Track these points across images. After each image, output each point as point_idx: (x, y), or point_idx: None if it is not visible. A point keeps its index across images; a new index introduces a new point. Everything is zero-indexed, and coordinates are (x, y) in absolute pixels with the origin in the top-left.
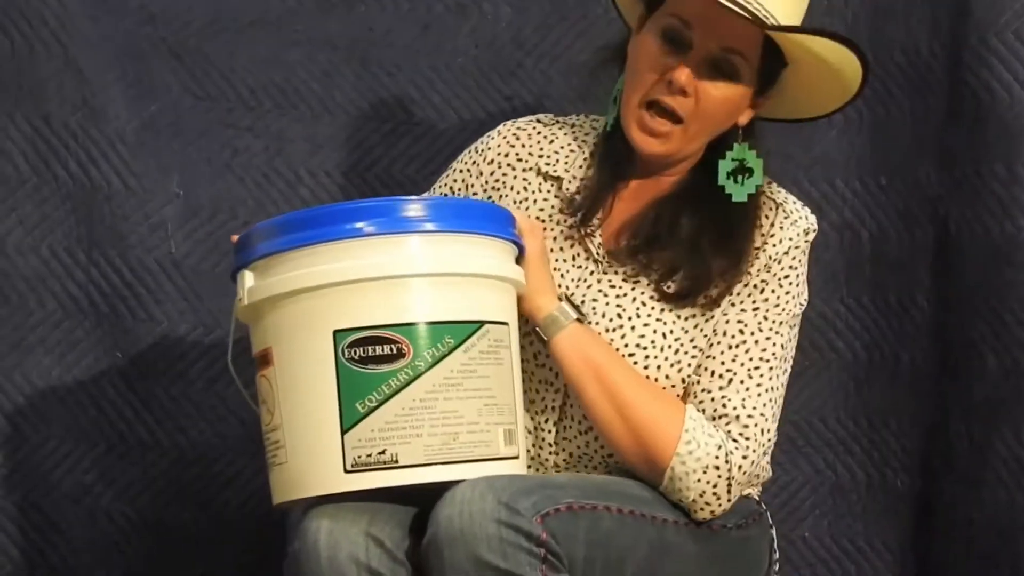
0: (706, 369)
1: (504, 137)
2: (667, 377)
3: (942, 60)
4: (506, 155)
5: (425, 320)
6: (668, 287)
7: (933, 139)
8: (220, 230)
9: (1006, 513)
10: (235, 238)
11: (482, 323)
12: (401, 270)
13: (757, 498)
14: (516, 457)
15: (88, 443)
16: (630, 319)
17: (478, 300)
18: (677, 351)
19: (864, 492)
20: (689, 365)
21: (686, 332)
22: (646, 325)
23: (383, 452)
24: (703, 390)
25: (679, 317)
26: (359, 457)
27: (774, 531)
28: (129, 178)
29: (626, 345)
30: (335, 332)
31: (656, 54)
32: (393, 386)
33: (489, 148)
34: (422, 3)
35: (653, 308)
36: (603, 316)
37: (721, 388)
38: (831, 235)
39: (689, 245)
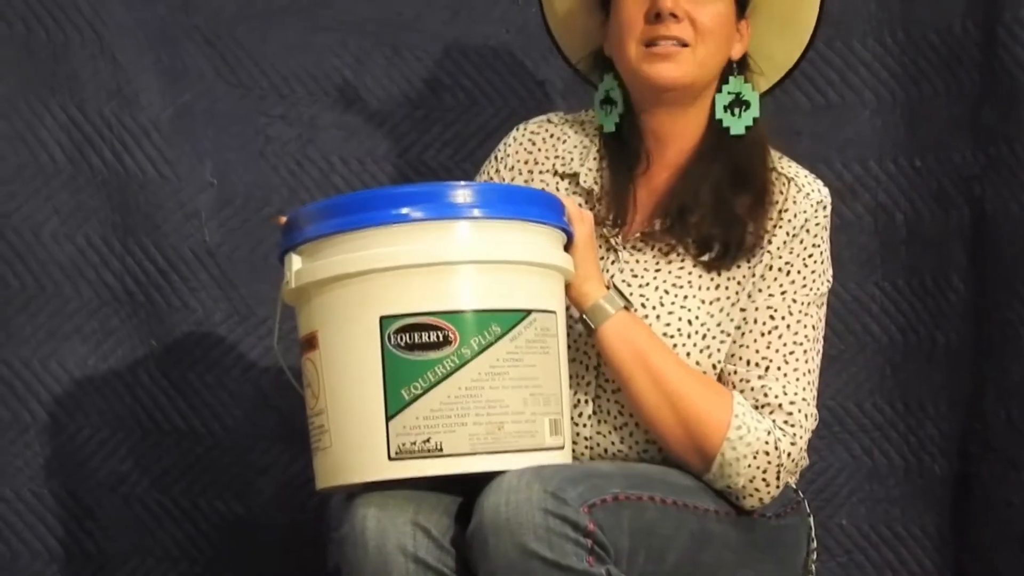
0: (741, 358)
1: (520, 143)
2: (698, 364)
3: (975, 37)
4: (524, 161)
5: (472, 307)
6: (706, 257)
7: (967, 118)
8: (254, 218)
9: None
10: (283, 220)
11: (529, 311)
12: (448, 256)
13: (795, 487)
14: (561, 448)
15: (124, 431)
16: (655, 308)
17: (526, 288)
18: (704, 336)
19: (902, 477)
20: (719, 350)
21: (712, 316)
22: (671, 313)
23: (428, 440)
24: (741, 380)
25: (703, 302)
26: (403, 445)
27: (812, 519)
28: (163, 166)
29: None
30: (382, 318)
31: (636, 5)
32: (439, 373)
33: (508, 155)
34: None
35: (677, 295)
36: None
37: (760, 377)
38: (865, 217)
39: (713, 198)
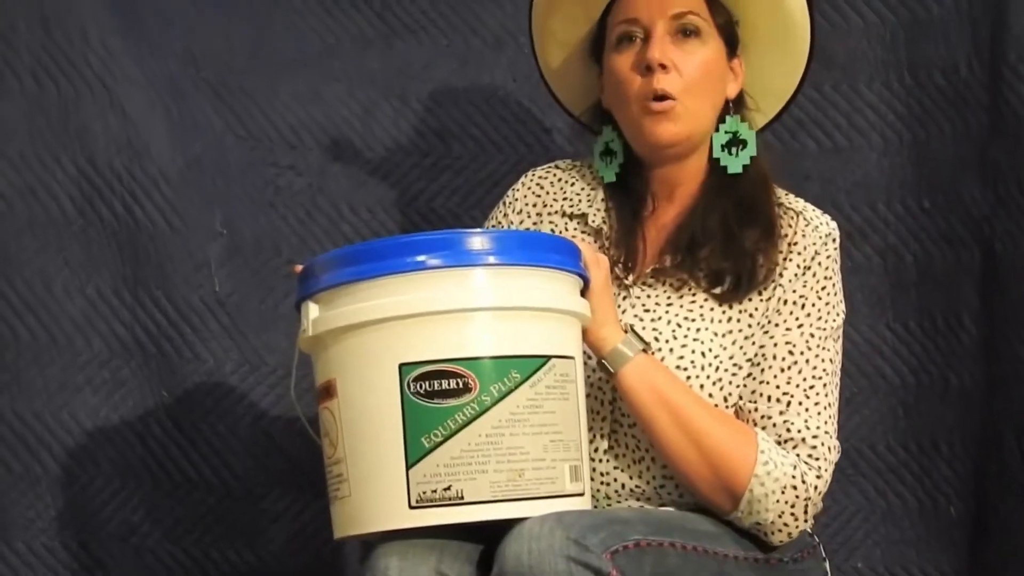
0: (761, 395)
1: (528, 188)
2: (710, 396)
3: (981, 78)
4: (533, 204)
5: (491, 354)
6: (718, 290)
7: (975, 158)
8: (264, 267)
9: None
10: (299, 268)
11: (548, 357)
12: (466, 303)
13: (810, 531)
14: (582, 494)
15: (135, 481)
16: (667, 342)
17: (544, 334)
18: (717, 368)
19: (917, 519)
20: (731, 383)
21: (724, 349)
22: (684, 346)
23: (448, 488)
24: (763, 416)
25: (716, 335)
26: (424, 493)
27: (827, 563)
28: (173, 217)
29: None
30: (401, 365)
31: (626, 61)
32: (459, 421)
33: (516, 200)
34: (459, 38)
35: (689, 328)
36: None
37: (781, 413)
38: (875, 259)
39: (722, 232)
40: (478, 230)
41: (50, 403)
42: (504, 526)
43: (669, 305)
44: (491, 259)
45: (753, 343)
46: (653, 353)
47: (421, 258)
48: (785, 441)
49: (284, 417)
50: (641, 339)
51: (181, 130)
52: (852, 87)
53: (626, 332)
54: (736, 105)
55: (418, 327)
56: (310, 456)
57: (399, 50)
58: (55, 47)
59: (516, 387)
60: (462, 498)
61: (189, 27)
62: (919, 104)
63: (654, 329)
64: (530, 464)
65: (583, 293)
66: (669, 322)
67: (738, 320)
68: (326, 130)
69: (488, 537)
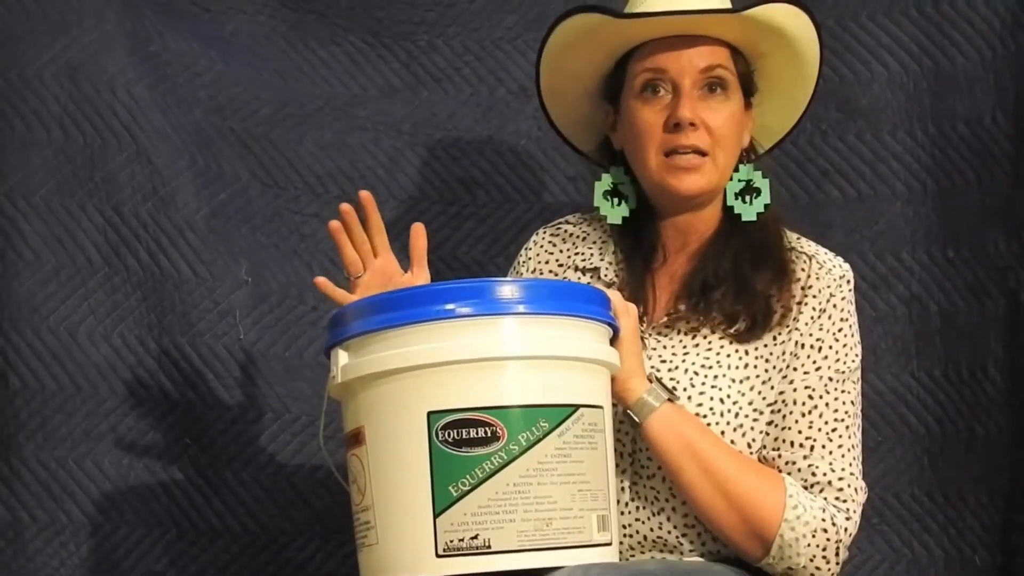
0: (784, 440)
1: (541, 246)
2: (733, 443)
3: (1004, 129)
4: (546, 262)
5: (519, 403)
6: (734, 330)
7: (999, 208)
8: (288, 315)
9: None
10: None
11: (577, 407)
12: (496, 352)
13: None
14: (609, 544)
15: (159, 530)
16: (685, 390)
17: (573, 383)
18: (737, 415)
19: (942, 569)
20: (752, 428)
21: (743, 395)
22: (702, 393)
23: (476, 537)
24: (787, 462)
25: (734, 381)
26: (451, 541)
27: None
28: (198, 266)
29: None
30: (429, 413)
31: (650, 111)
32: (487, 469)
33: (529, 259)
34: (484, 87)
35: (707, 376)
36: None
37: (806, 457)
38: (899, 308)
39: (734, 275)
40: (508, 279)
41: (74, 451)
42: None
43: (686, 354)
44: (520, 308)
45: (772, 387)
46: (679, 401)
47: (451, 306)
48: (812, 485)
49: (308, 465)
50: (667, 388)
51: (207, 179)
52: (876, 136)
53: (652, 382)
54: (748, 153)
55: (447, 375)
56: (334, 505)
57: (424, 99)
58: (82, 97)
59: (544, 436)
60: (489, 547)
61: (215, 77)
62: (943, 154)
63: (672, 379)
64: (558, 514)
65: (612, 342)
66: (686, 371)
67: (755, 366)
68: (351, 179)
69: None
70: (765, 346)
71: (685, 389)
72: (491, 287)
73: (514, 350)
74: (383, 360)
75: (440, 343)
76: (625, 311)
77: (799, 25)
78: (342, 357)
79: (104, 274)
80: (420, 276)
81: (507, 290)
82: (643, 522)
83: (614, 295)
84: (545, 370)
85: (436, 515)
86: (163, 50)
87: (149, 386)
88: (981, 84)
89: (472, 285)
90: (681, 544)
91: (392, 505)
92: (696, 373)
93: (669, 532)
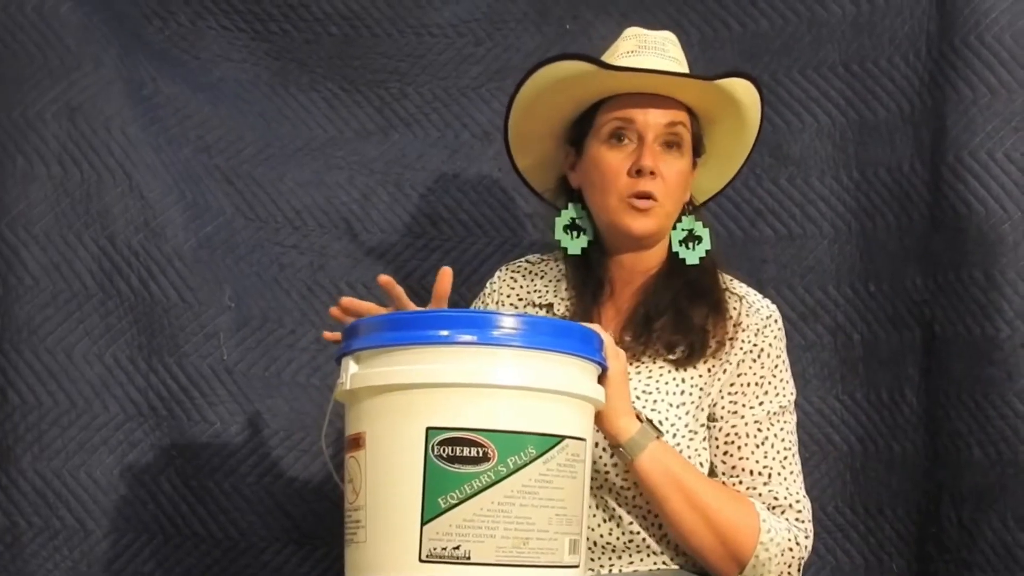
0: (743, 469)
1: (504, 281)
2: None
3: (922, 176)
4: (507, 296)
5: (511, 429)
6: (673, 356)
7: (917, 248)
8: (268, 338)
9: None
10: (329, 336)
11: (563, 437)
12: (495, 380)
13: None
14: (577, 566)
15: (147, 535)
16: None
17: (561, 415)
18: (675, 435)
19: (863, 575)
20: (688, 446)
21: (680, 418)
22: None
23: (457, 547)
24: (748, 488)
25: (671, 405)
26: (434, 549)
27: None
28: (185, 292)
29: None
30: (428, 429)
31: (616, 157)
32: (475, 487)
33: (492, 293)
34: (451, 131)
35: (648, 400)
36: None
37: (765, 483)
38: (825, 337)
39: (673, 309)
40: (509, 313)
41: (68, 462)
42: None
43: (629, 379)
44: (519, 342)
45: (703, 411)
46: (663, 438)
47: (456, 333)
48: (773, 508)
49: (285, 476)
50: (654, 426)
51: (194, 212)
52: (806, 181)
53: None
54: (691, 205)
55: (448, 395)
56: (309, 513)
57: (396, 141)
58: (80, 136)
59: (531, 462)
60: (469, 558)
61: (203, 119)
62: (866, 197)
63: None
64: (535, 534)
65: (600, 380)
66: (631, 391)
67: (690, 392)
68: (327, 213)
69: None
70: (700, 375)
71: None
72: (494, 319)
73: (511, 380)
74: (390, 374)
75: (444, 365)
76: (615, 354)
77: (750, 96)
78: (352, 366)
79: (98, 299)
80: None
81: (508, 324)
82: (592, 529)
83: (607, 337)
84: (537, 401)
85: (423, 523)
86: (156, 93)
87: (139, 402)
88: (901, 134)
89: (477, 316)
90: (628, 548)
91: (383, 508)
92: (638, 397)
93: (618, 537)
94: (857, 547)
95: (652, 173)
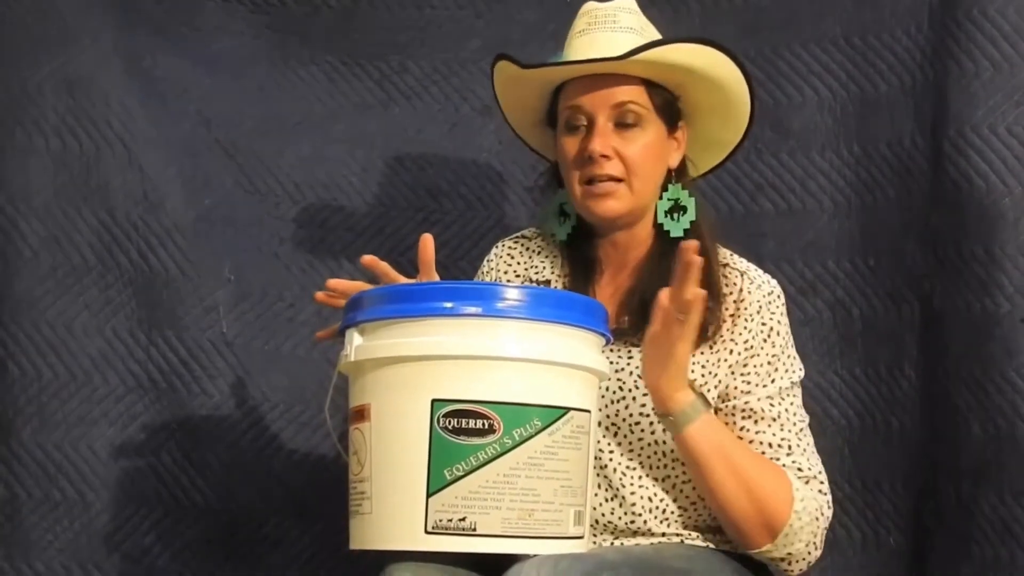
0: (762, 443)
1: (500, 258)
2: (666, 442)
3: (923, 150)
4: (504, 272)
5: (517, 401)
6: None
7: (917, 223)
8: (268, 311)
9: (992, 568)
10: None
11: (568, 409)
12: (499, 352)
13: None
14: (581, 537)
15: (147, 507)
16: (630, 391)
17: (566, 387)
18: None
19: (860, 549)
20: None
21: None
22: (645, 395)
23: (463, 519)
24: (772, 459)
25: None
26: (440, 520)
27: None
28: (185, 265)
29: (631, 415)
30: (433, 401)
31: (571, 144)
32: (480, 458)
33: (490, 270)
34: (450, 105)
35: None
36: (607, 390)
37: (788, 454)
38: (825, 312)
39: None
40: (515, 286)
41: (69, 434)
42: (509, 561)
43: (630, 359)
44: (524, 313)
45: (708, 391)
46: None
47: (461, 305)
48: (798, 478)
49: (284, 449)
50: (706, 401)
51: (194, 186)
52: (806, 155)
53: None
54: (678, 173)
55: (454, 367)
56: (307, 485)
57: (395, 115)
58: (79, 109)
59: (536, 434)
60: (475, 530)
61: (203, 92)
62: (867, 172)
63: (619, 380)
64: (540, 506)
65: (648, 348)
66: (631, 373)
67: (693, 371)
68: (327, 187)
69: (493, 570)
70: (702, 354)
71: (631, 390)
72: (499, 291)
73: (516, 352)
74: (395, 346)
75: (449, 337)
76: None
77: (706, 58)
78: (356, 338)
79: (98, 272)
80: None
81: (513, 296)
82: (594, 508)
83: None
84: (542, 373)
85: (429, 495)
86: (155, 67)
87: (138, 375)
88: (901, 109)
89: (482, 287)
90: (629, 528)
91: (389, 480)
92: (640, 377)
93: (620, 518)
94: (855, 521)
95: (605, 156)
